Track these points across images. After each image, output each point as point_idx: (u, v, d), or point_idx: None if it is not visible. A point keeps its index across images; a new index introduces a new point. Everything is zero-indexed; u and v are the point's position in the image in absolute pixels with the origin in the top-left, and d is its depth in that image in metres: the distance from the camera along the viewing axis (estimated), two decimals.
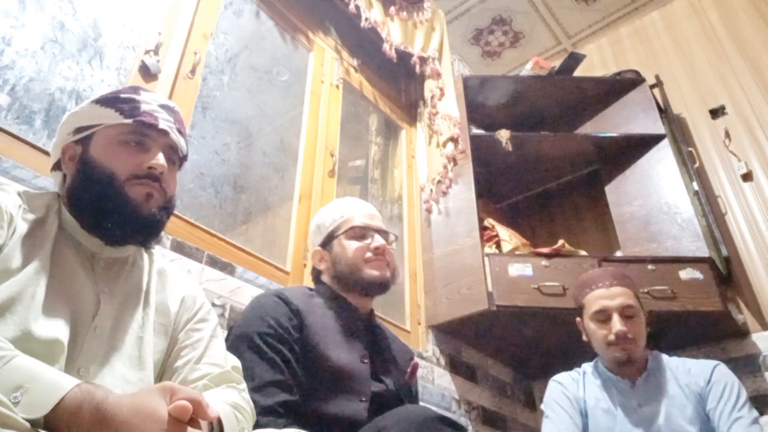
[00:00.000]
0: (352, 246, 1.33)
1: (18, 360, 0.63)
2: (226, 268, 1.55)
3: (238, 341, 1.13)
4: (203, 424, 0.70)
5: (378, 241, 1.34)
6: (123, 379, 0.82)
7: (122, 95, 0.94)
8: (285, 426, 1.01)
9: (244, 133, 2.13)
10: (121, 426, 0.60)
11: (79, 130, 0.92)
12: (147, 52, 1.60)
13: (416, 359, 1.44)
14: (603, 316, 1.60)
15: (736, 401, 1.48)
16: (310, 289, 1.36)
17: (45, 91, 1.38)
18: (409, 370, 1.37)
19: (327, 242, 1.38)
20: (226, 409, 0.82)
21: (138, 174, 0.89)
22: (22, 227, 0.81)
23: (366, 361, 1.23)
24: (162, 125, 0.93)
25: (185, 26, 1.77)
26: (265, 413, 1.02)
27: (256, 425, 1.00)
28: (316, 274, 1.41)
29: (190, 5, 1.82)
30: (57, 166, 0.94)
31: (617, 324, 1.57)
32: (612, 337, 1.57)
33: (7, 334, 0.69)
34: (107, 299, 0.86)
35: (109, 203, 0.86)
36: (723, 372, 1.56)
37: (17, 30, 1.36)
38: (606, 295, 1.61)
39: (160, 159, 0.91)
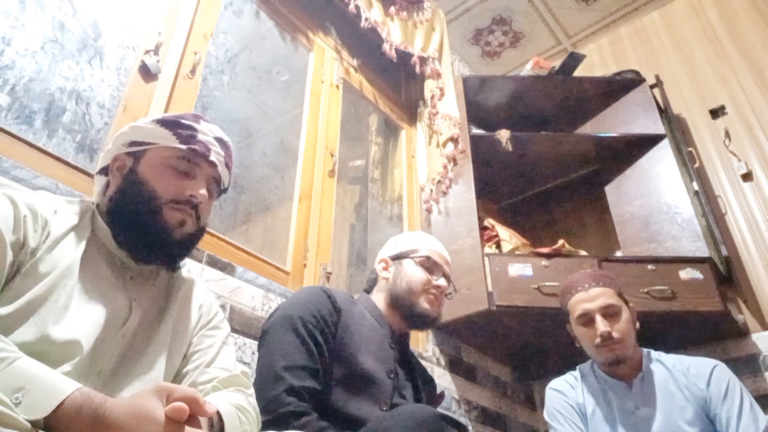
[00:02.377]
0: (419, 272, 1.38)
1: (20, 362, 0.64)
2: (226, 268, 1.55)
3: (280, 321, 1.18)
4: (203, 422, 0.70)
5: (442, 282, 1.40)
6: (141, 381, 0.83)
7: (183, 121, 0.97)
8: (304, 411, 1.05)
9: (244, 133, 2.13)
10: (119, 429, 0.61)
11: (134, 144, 0.94)
12: (147, 52, 1.60)
13: (442, 390, 1.51)
14: (586, 319, 1.60)
15: (740, 405, 1.45)
16: (352, 297, 1.40)
17: (45, 91, 1.38)
18: (436, 395, 1.43)
19: (398, 257, 1.43)
20: (228, 408, 0.83)
21: (178, 199, 0.91)
22: (56, 232, 0.82)
23: (392, 375, 1.26)
24: (212, 157, 0.96)
25: (185, 26, 1.77)
26: (290, 393, 1.06)
27: (276, 400, 1.04)
28: (371, 284, 1.46)
29: (190, 5, 1.81)
30: (103, 171, 0.97)
31: (601, 325, 1.55)
32: (598, 339, 1.56)
33: (27, 336, 0.71)
34: (137, 307, 0.88)
35: (144, 221, 0.89)
36: (722, 373, 1.53)
37: (17, 30, 1.36)
38: (586, 298, 1.61)
39: (202, 189, 0.94)
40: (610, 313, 1.58)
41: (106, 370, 0.81)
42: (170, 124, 0.95)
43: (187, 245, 0.95)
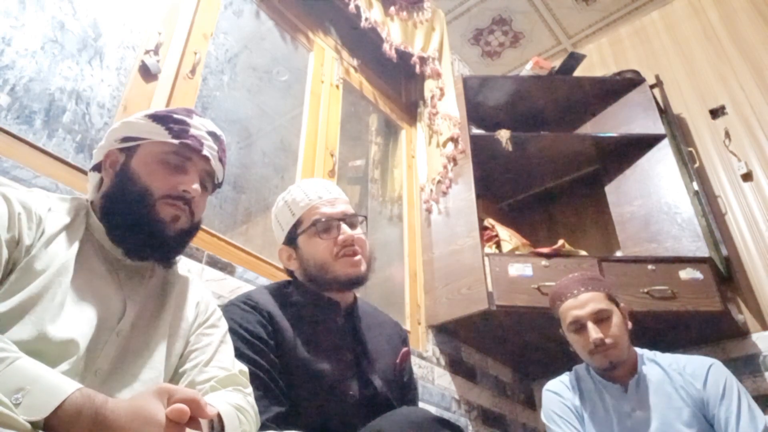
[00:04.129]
0: (318, 245, 1.23)
1: (21, 362, 0.63)
2: (226, 268, 1.55)
3: None
4: (204, 423, 0.70)
5: (344, 232, 1.23)
6: (140, 381, 0.83)
7: (175, 115, 0.96)
8: None
9: (244, 133, 2.13)
10: (120, 430, 0.61)
11: (126, 140, 0.94)
12: (147, 52, 1.60)
13: (407, 347, 1.38)
14: (578, 326, 1.57)
15: (739, 404, 1.43)
16: (286, 285, 1.28)
17: (45, 91, 1.38)
18: (398, 360, 1.31)
19: (292, 240, 1.28)
20: (228, 409, 0.82)
21: (171, 194, 0.91)
22: (50, 230, 0.82)
23: (351, 362, 1.19)
24: (205, 152, 0.95)
25: (185, 26, 1.77)
26: (260, 430, 0.98)
27: None
28: (290, 273, 1.32)
29: (190, 5, 1.81)
30: (97, 168, 0.96)
31: (593, 332, 1.53)
32: (591, 346, 1.54)
33: (23, 334, 0.71)
34: (131, 305, 0.88)
35: (137, 218, 0.88)
36: (719, 372, 1.51)
37: (17, 30, 1.36)
38: (575, 305, 1.58)
39: (195, 184, 0.93)
40: (601, 318, 1.55)
41: (103, 369, 0.80)
42: (162, 119, 0.95)
43: (181, 241, 0.94)
